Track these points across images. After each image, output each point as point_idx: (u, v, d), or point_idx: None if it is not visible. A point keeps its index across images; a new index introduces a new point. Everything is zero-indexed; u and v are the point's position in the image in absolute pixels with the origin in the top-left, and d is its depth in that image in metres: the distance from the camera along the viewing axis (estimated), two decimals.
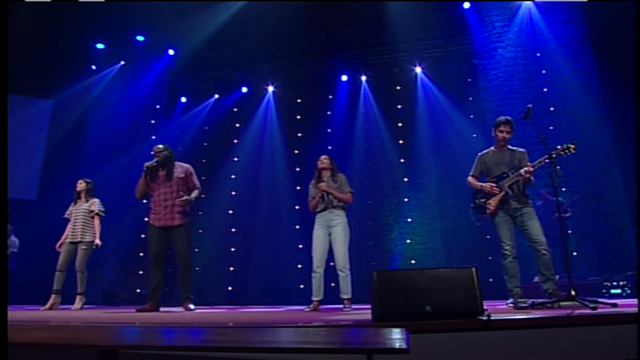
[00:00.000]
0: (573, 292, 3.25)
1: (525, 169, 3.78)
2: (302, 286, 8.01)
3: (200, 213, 8.75)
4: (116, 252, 8.17)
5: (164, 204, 4.60)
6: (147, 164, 4.63)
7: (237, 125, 9.61)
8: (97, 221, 5.54)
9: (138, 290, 8.21)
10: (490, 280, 6.83)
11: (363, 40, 8.86)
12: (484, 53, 7.75)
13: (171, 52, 9.27)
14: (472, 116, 8.22)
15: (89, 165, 8.90)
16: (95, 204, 5.58)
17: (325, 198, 4.53)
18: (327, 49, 9.00)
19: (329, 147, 8.10)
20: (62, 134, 9.11)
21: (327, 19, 8.67)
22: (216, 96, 9.68)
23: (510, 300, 3.81)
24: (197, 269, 8.01)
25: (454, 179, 7.73)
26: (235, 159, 9.45)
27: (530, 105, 3.85)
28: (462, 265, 2.51)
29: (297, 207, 8.69)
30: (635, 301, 4.02)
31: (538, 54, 7.37)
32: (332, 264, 4.52)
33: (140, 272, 8.34)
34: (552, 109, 7.07)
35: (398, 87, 8.94)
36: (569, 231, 6.50)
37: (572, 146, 3.65)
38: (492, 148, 4.16)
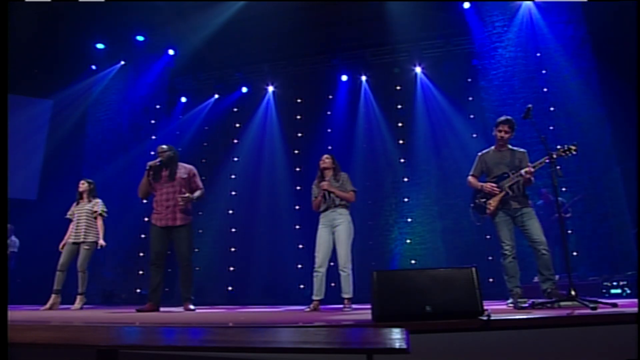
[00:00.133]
0: (573, 292, 3.25)
1: (526, 169, 3.78)
2: (302, 286, 8.02)
3: (200, 213, 8.74)
4: (116, 252, 8.17)
5: (166, 204, 4.60)
6: (150, 163, 4.64)
7: (237, 125, 9.61)
8: (100, 221, 5.55)
9: (138, 290, 8.22)
10: (490, 280, 6.83)
11: (363, 40, 8.86)
12: (484, 53, 7.76)
13: (171, 52, 9.27)
14: (472, 116, 8.22)
15: (89, 165, 8.90)
16: (98, 205, 5.59)
17: (327, 197, 4.53)
18: (327, 49, 9.00)
19: (329, 147, 8.11)
20: (62, 134, 9.11)
21: (327, 19, 8.67)
22: (216, 96, 9.68)
23: (510, 300, 3.81)
24: (197, 269, 8.00)
25: (454, 178, 7.73)
26: (235, 159, 9.45)
27: (530, 105, 3.85)
28: (462, 265, 2.51)
29: (297, 207, 8.69)
30: (635, 301, 4.02)
31: (538, 54, 7.37)
32: (332, 263, 4.52)
33: (140, 272, 8.34)
34: (552, 109, 7.08)
35: (398, 87, 8.94)
36: (569, 231, 6.51)
37: (573, 147, 3.65)
38: (493, 148, 4.16)
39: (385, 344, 1.60)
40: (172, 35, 9.02)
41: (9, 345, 1.87)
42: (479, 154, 4.23)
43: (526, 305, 3.55)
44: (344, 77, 9.09)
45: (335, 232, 4.46)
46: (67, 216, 5.60)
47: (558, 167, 3.61)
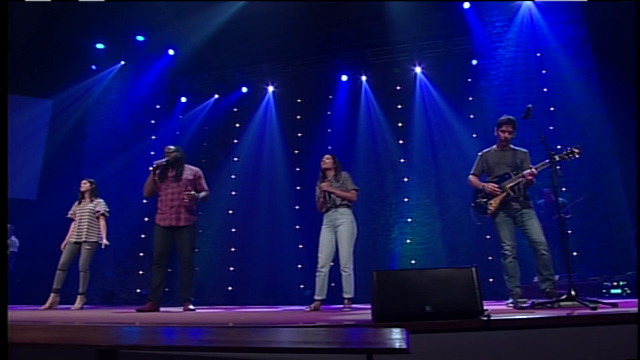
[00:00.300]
0: (573, 292, 3.25)
1: (528, 171, 3.77)
2: (302, 286, 8.02)
3: (200, 213, 8.72)
4: (116, 252, 8.17)
5: (170, 204, 4.62)
6: (156, 162, 4.66)
7: (237, 125, 9.61)
8: (102, 221, 5.56)
9: (138, 290, 8.22)
10: (490, 280, 6.84)
11: (363, 40, 8.86)
12: (484, 53, 7.75)
13: (171, 52, 9.27)
14: (472, 116, 8.22)
15: (89, 165, 8.90)
16: (101, 204, 5.59)
17: (328, 198, 4.53)
18: (327, 49, 9.00)
19: (329, 147, 8.10)
20: (62, 134, 9.11)
21: (327, 19, 8.68)
22: (216, 96, 9.67)
23: (510, 300, 3.81)
24: (197, 269, 8.01)
25: (454, 178, 7.73)
26: (235, 159, 9.45)
27: (530, 105, 3.84)
28: (462, 265, 2.51)
29: (297, 207, 8.69)
30: (635, 301, 4.01)
31: (538, 54, 7.37)
32: (331, 263, 4.52)
33: (140, 272, 8.34)
34: (552, 109, 7.08)
35: (398, 87, 8.94)
36: (569, 231, 6.51)
37: (577, 150, 3.63)
38: (494, 147, 4.14)
39: (385, 344, 1.60)
40: (172, 35, 9.02)
41: (9, 345, 1.87)
42: (481, 152, 4.22)
43: (526, 305, 3.55)
44: (344, 77, 9.09)
45: (337, 232, 4.46)
46: (69, 215, 5.60)
47: (558, 167, 3.60)
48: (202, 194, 4.77)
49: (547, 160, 3.67)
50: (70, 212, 5.61)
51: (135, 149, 8.90)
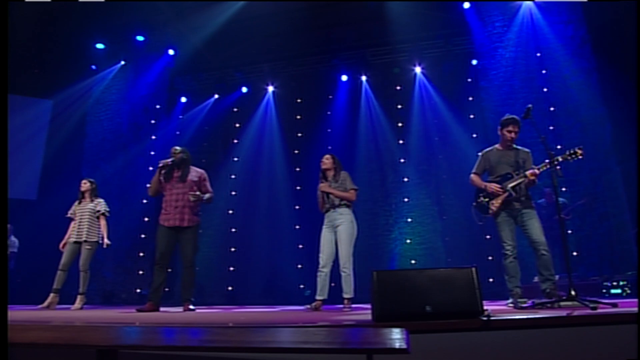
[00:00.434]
0: (573, 292, 3.25)
1: (531, 171, 3.76)
2: (302, 286, 8.01)
3: (200, 213, 8.74)
4: (116, 252, 8.17)
5: (174, 204, 4.63)
6: (162, 161, 4.68)
7: (237, 125, 9.61)
8: (103, 221, 5.56)
9: (138, 290, 8.21)
10: (490, 280, 6.83)
11: (363, 40, 8.86)
12: (484, 53, 7.75)
13: (171, 52, 9.26)
14: (472, 116, 8.22)
15: (89, 165, 8.89)
16: (101, 204, 5.60)
17: (326, 199, 4.53)
18: (327, 49, 8.99)
19: (329, 147, 8.10)
20: (62, 134, 9.10)
21: (327, 19, 8.67)
22: (216, 96, 9.67)
23: (510, 300, 3.81)
24: (197, 269, 8.02)
25: (454, 178, 7.73)
26: (235, 159, 9.44)
27: (530, 105, 3.84)
28: (462, 265, 2.51)
29: (297, 207, 8.69)
30: (635, 301, 4.02)
31: (538, 54, 7.37)
32: (331, 263, 4.53)
33: (140, 272, 8.34)
34: (552, 109, 7.07)
35: (398, 87, 8.93)
36: (569, 231, 6.50)
37: (579, 151, 3.62)
38: (497, 146, 4.13)
39: (385, 344, 1.60)
40: (172, 35, 9.02)
41: (9, 345, 1.87)
42: (482, 151, 4.21)
43: (526, 305, 3.55)
44: (344, 77, 9.08)
45: (336, 232, 4.47)
46: (69, 215, 5.60)
47: (558, 167, 3.60)
48: (207, 195, 4.78)
49: (549, 162, 3.67)
50: (70, 211, 5.61)
51: (135, 149, 8.89)
